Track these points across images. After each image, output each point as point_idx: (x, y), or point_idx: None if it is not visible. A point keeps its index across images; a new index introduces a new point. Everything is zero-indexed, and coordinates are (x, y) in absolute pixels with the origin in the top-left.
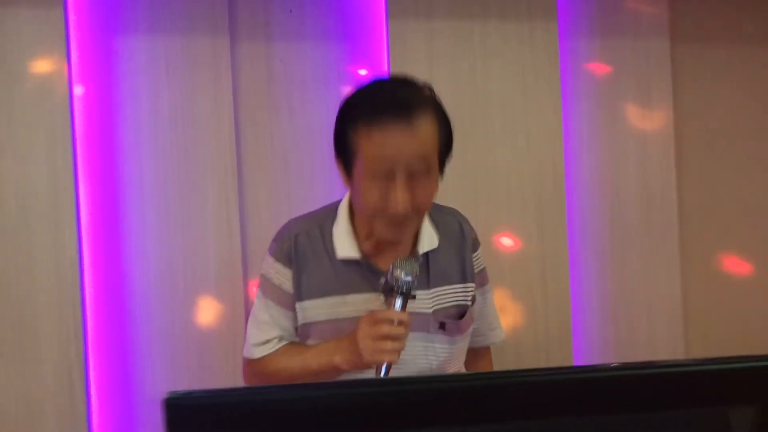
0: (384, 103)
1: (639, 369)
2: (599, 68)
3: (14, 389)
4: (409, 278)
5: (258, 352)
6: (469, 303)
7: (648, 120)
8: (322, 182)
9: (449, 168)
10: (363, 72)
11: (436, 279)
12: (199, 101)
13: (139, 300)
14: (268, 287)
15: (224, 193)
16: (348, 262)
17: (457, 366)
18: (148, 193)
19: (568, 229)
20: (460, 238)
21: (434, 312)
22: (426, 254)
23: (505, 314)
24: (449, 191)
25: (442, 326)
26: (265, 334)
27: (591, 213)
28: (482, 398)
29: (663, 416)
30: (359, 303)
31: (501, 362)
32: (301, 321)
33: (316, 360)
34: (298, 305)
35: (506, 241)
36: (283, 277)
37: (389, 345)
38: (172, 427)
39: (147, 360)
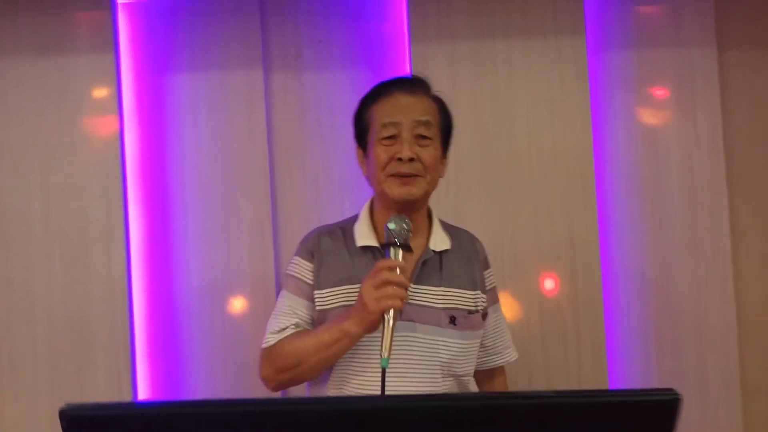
0: (393, 81)
1: (539, 397)
2: (636, 82)
3: (71, 393)
4: (393, 226)
5: (273, 339)
6: (478, 310)
7: (693, 132)
8: (350, 202)
9: (473, 191)
10: None
11: (447, 279)
12: (236, 130)
13: (181, 311)
14: (290, 282)
15: (259, 213)
16: (365, 251)
17: (468, 367)
18: (191, 214)
19: (602, 251)
20: (472, 253)
21: (444, 309)
22: (440, 255)
23: (533, 341)
24: (474, 212)
25: (452, 320)
26: (281, 323)
27: (628, 232)
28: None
29: None
30: None
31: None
32: (318, 307)
33: (327, 332)
34: (316, 293)
35: (534, 263)
36: (304, 269)
37: (390, 290)
38: None
39: (189, 366)
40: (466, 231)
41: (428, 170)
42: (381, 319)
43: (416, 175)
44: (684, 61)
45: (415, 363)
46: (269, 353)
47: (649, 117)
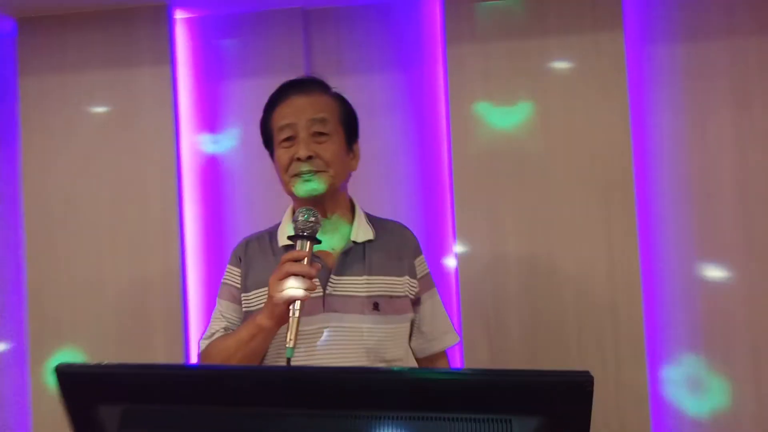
0: (288, 84)
1: (431, 374)
2: (682, 75)
3: None
4: (300, 218)
5: (203, 345)
6: (405, 295)
7: (748, 124)
8: (388, 200)
9: (507, 191)
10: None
11: (371, 268)
12: None
13: None
14: (222, 288)
15: None
16: (288, 250)
17: (396, 351)
18: (242, 208)
19: (643, 255)
20: (400, 242)
21: (368, 296)
22: (363, 246)
23: (570, 345)
24: (507, 212)
25: (375, 306)
26: (211, 329)
27: (672, 233)
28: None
29: (455, 418)
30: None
31: None
32: (245, 309)
33: (245, 329)
34: (243, 296)
35: (569, 267)
36: (234, 275)
37: (292, 281)
38: (62, 389)
39: None
40: (395, 222)
41: (330, 165)
42: (287, 310)
43: (317, 171)
44: (738, 50)
45: (340, 350)
46: (202, 357)
47: (697, 113)
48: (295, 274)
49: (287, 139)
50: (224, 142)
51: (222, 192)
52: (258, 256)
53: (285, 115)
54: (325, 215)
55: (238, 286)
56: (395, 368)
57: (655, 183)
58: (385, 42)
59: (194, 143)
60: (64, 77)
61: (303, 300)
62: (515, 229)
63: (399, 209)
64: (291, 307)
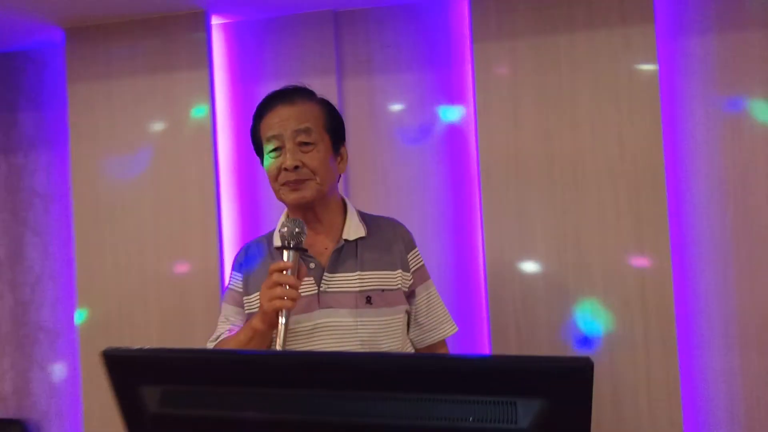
0: (274, 95)
1: (442, 359)
2: (717, 68)
3: None
4: (285, 230)
5: (210, 346)
6: (399, 288)
7: None
8: (417, 196)
9: (535, 188)
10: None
11: (364, 264)
12: None
13: None
14: (227, 293)
15: None
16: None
17: (391, 343)
18: (275, 207)
19: (674, 243)
20: (393, 237)
21: (361, 291)
22: (355, 243)
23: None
24: (536, 209)
25: (368, 300)
26: (217, 332)
27: (705, 224)
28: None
29: (463, 400)
30: None
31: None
32: (247, 311)
33: (243, 332)
34: (245, 299)
35: (598, 263)
36: (236, 280)
37: (279, 290)
38: (108, 371)
39: None
40: (388, 218)
41: (317, 173)
42: (277, 316)
43: (305, 180)
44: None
45: (336, 344)
46: None
47: (732, 106)
48: (281, 284)
49: (275, 149)
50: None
51: (257, 190)
52: (258, 261)
53: (271, 126)
54: (317, 218)
55: (240, 290)
56: (407, 353)
57: (687, 180)
58: (413, 42)
59: (231, 144)
60: (108, 82)
61: (288, 309)
62: (541, 223)
63: (430, 203)
64: (279, 314)
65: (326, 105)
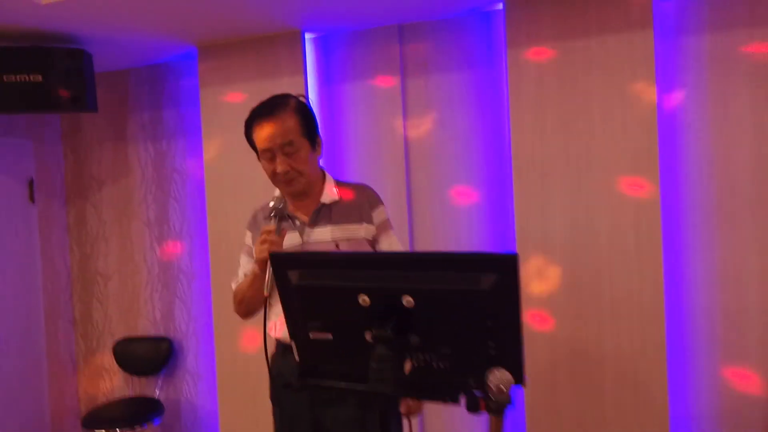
0: (259, 111)
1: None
2: (704, 61)
3: None
4: (272, 203)
5: (233, 287)
6: (363, 237)
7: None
8: (468, 176)
9: (559, 154)
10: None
11: (335, 220)
12: (383, 120)
13: None
14: (243, 247)
15: (398, 187)
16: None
17: None
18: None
19: (664, 219)
20: (362, 198)
21: (332, 239)
22: (330, 206)
23: (598, 297)
24: (557, 178)
25: (336, 246)
26: (238, 276)
27: (694, 204)
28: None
29: (452, 275)
30: (287, 239)
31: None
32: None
33: (249, 276)
34: (254, 249)
35: (601, 225)
36: (248, 237)
37: (266, 245)
38: (272, 263)
39: None
40: (358, 183)
41: (302, 171)
42: (266, 264)
43: (294, 177)
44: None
45: None
46: (233, 294)
47: (719, 93)
48: (268, 240)
49: (268, 157)
50: (341, 130)
51: (342, 171)
52: (261, 221)
53: (262, 140)
54: (303, 192)
55: (251, 244)
56: (418, 252)
57: (680, 157)
58: (461, 48)
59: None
60: (230, 87)
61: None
62: (561, 212)
63: (465, 179)
64: (267, 263)
65: (300, 111)
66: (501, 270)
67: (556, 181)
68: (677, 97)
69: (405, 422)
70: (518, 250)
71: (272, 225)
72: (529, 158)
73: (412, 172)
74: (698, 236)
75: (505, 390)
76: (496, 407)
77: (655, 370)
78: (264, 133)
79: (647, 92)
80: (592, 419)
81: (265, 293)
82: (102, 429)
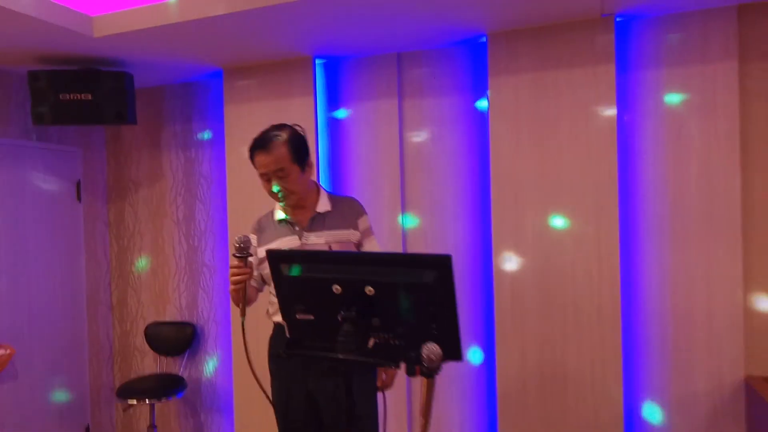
0: (256, 143)
1: (385, 254)
2: (662, 93)
3: None
4: (237, 244)
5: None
6: (350, 241)
7: (713, 132)
8: (462, 189)
9: (532, 169)
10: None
11: (328, 227)
12: (382, 137)
13: None
14: None
15: (394, 194)
16: (282, 222)
17: None
18: (357, 192)
19: (621, 220)
20: (349, 209)
21: (325, 243)
22: (324, 215)
23: (562, 297)
24: (532, 186)
25: (329, 248)
26: None
27: (648, 215)
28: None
29: (401, 270)
30: (285, 242)
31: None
32: (259, 257)
33: (233, 294)
34: (258, 249)
35: (567, 232)
36: (254, 239)
37: (232, 279)
38: (269, 258)
39: None
40: (347, 197)
41: (293, 190)
42: (237, 291)
43: (286, 195)
44: (706, 74)
45: None
46: None
47: (672, 118)
48: (234, 275)
49: (265, 179)
50: (345, 145)
51: (341, 184)
52: (264, 226)
53: (259, 166)
54: (300, 203)
55: (256, 245)
56: (373, 252)
57: (637, 174)
58: (453, 74)
59: (329, 150)
60: (250, 105)
61: (242, 282)
62: (534, 223)
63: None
64: (242, 289)
65: (291, 141)
66: (439, 268)
67: (530, 191)
68: (635, 120)
69: (380, 395)
70: (493, 251)
71: (236, 263)
72: (506, 171)
73: (407, 181)
74: (652, 245)
75: (434, 359)
76: (428, 372)
77: (611, 370)
78: (260, 161)
79: (609, 116)
80: (556, 414)
81: (241, 319)
82: (133, 399)
